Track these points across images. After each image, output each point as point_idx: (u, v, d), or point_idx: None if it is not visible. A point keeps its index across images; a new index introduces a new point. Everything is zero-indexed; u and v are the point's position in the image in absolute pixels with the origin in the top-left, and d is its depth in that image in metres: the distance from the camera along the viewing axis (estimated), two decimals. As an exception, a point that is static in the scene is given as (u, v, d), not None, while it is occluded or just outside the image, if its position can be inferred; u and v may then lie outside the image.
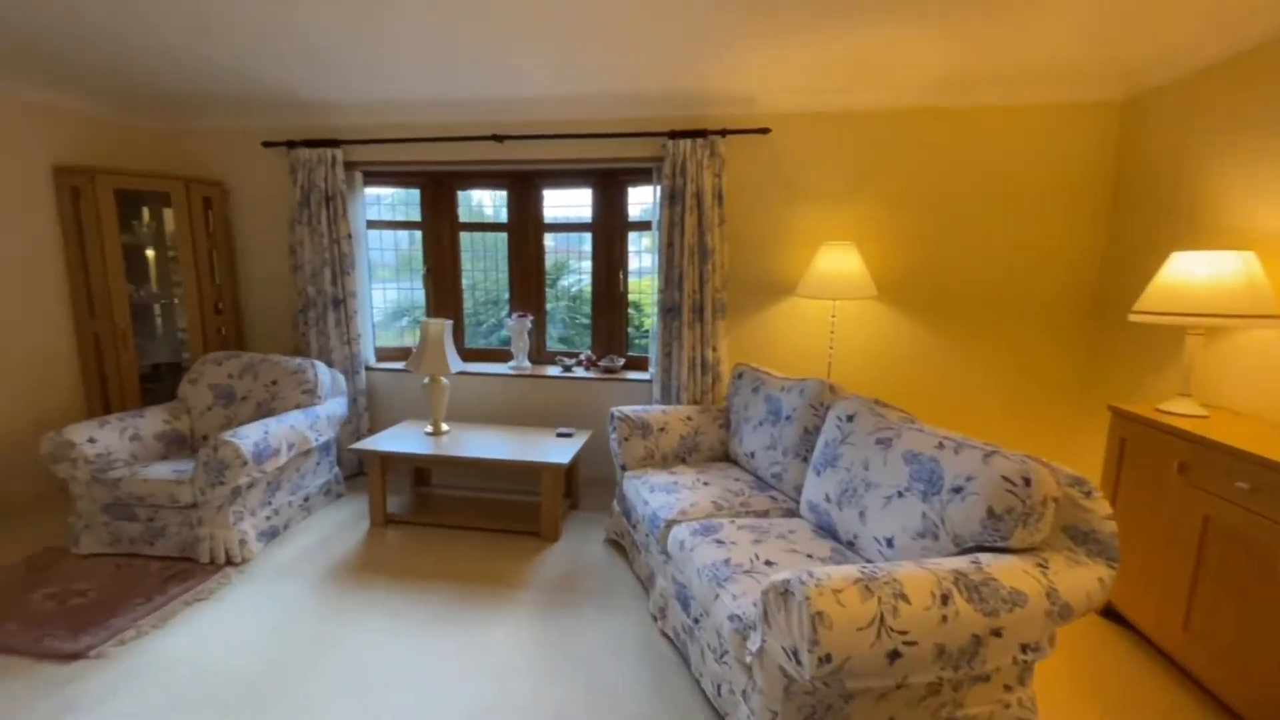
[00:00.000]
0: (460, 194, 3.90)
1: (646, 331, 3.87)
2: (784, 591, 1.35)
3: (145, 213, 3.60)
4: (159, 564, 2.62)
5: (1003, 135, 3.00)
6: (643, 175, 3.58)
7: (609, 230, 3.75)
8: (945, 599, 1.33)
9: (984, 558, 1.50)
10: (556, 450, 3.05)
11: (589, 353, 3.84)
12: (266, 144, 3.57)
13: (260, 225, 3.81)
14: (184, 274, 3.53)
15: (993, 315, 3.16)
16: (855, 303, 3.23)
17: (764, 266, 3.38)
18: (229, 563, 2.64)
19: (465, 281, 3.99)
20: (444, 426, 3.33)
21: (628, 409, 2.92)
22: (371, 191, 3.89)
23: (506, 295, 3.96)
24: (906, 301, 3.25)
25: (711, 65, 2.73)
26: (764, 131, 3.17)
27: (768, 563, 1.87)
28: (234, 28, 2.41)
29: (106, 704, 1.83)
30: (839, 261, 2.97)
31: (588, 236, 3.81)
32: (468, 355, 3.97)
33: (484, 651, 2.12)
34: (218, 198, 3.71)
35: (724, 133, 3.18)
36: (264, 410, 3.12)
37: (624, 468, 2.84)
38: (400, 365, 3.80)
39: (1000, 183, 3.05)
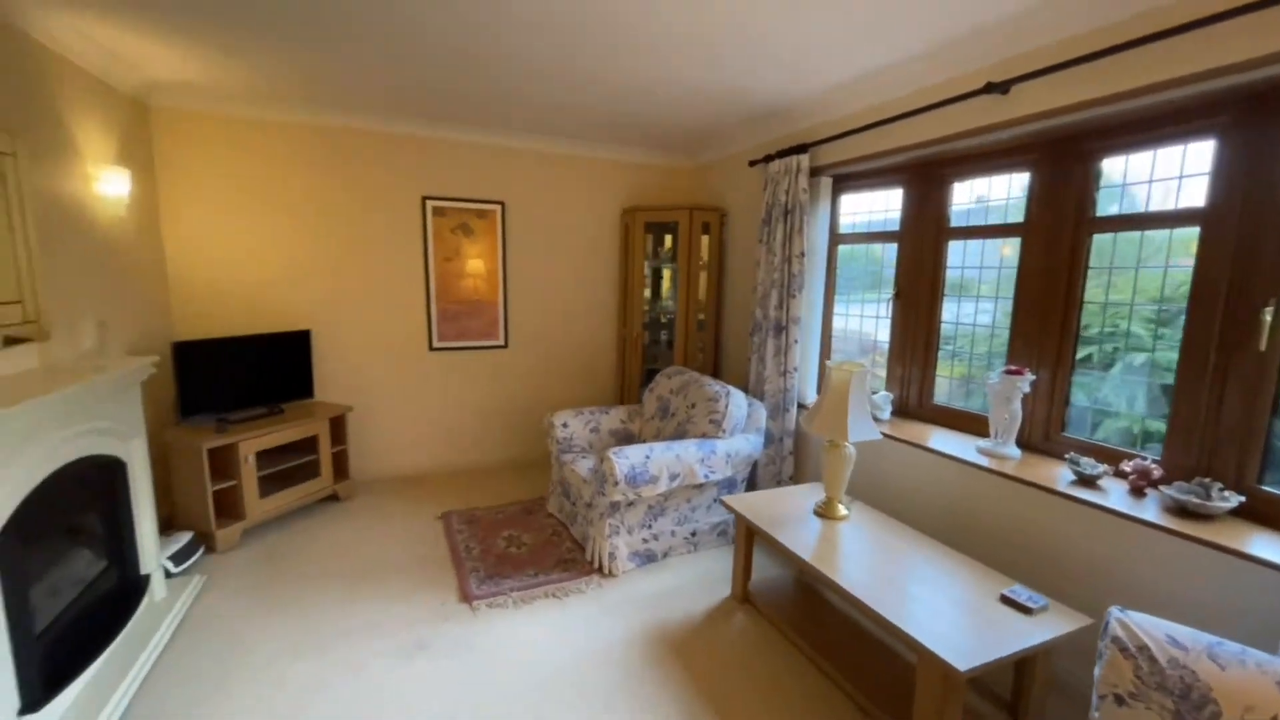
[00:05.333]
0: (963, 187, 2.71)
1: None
2: None
3: (668, 239, 4.21)
4: (569, 544, 3.00)
5: None
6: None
7: (1249, 220, 1.76)
8: None
9: None
10: (979, 631, 1.66)
11: (1152, 460, 1.98)
12: (752, 163, 3.50)
13: (742, 246, 3.83)
14: (679, 292, 3.96)
15: None
16: None
17: None
18: (599, 569, 2.74)
19: (951, 307, 2.78)
20: (840, 508, 2.42)
21: (1180, 637, 1.24)
22: (849, 203, 3.24)
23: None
24: None
25: None
26: None
27: None
28: (739, 48, 2.34)
29: (444, 660, 2.15)
30: None
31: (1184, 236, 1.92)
32: (934, 416, 2.81)
33: None
34: (715, 222, 3.95)
35: None
36: (680, 431, 3.10)
37: (1100, 759, 1.23)
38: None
39: None
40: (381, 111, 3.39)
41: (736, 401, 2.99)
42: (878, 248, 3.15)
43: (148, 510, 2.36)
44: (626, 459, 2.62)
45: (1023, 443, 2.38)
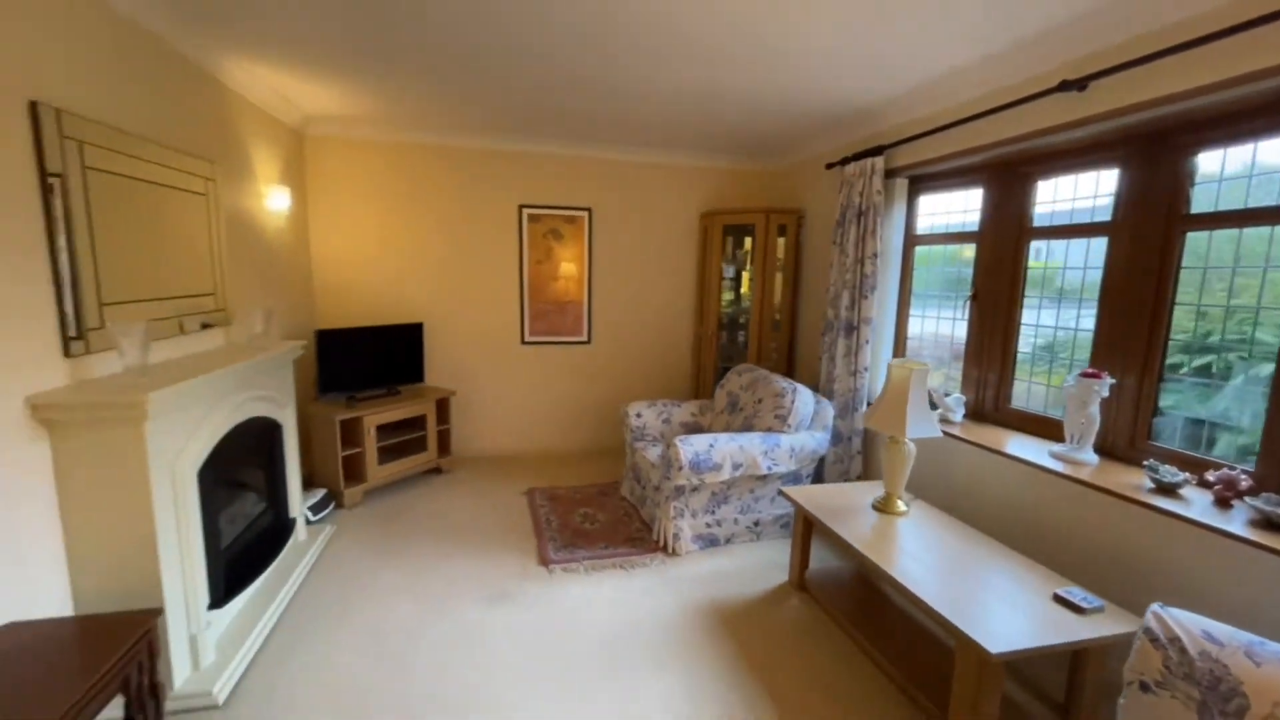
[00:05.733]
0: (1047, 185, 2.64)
1: None
2: None
3: (746, 241, 4.33)
4: (638, 524, 3.23)
5: None
6: None
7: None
8: None
9: None
10: (1022, 623, 1.69)
11: (1240, 470, 1.88)
12: (829, 166, 3.56)
13: (818, 247, 3.89)
14: (753, 292, 4.08)
15: None
16: None
17: None
18: (664, 548, 2.95)
19: (1032, 311, 2.70)
20: (900, 504, 2.46)
21: (1217, 634, 1.25)
22: (928, 203, 3.22)
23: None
24: None
25: None
26: None
27: None
28: (818, 56, 2.46)
29: (523, 611, 2.46)
30: None
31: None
32: (1010, 420, 2.75)
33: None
34: (791, 224, 4.03)
35: None
36: (746, 425, 3.24)
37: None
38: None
39: None
40: (489, 131, 3.81)
41: (803, 399, 3.08)
42: (966, 252, 3.10)
43: (295, 467, 2.88)
44: (691, 446, 2.81)
45: (1102, 449, 2.30)
